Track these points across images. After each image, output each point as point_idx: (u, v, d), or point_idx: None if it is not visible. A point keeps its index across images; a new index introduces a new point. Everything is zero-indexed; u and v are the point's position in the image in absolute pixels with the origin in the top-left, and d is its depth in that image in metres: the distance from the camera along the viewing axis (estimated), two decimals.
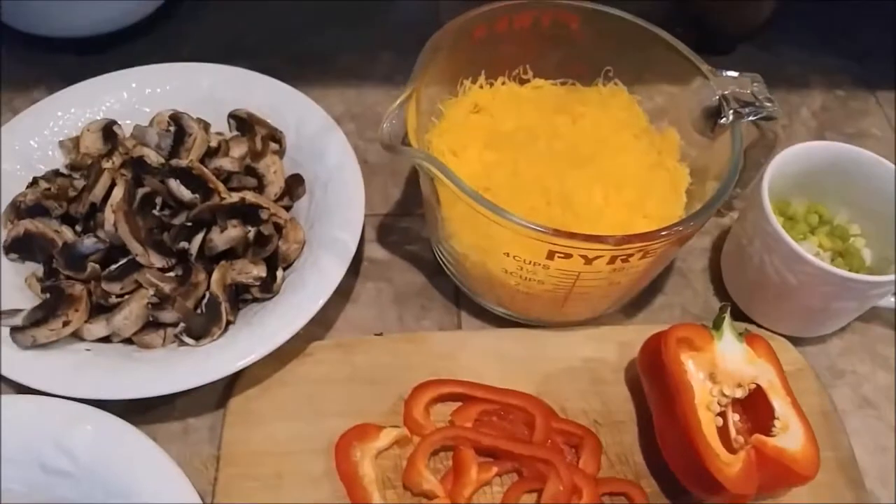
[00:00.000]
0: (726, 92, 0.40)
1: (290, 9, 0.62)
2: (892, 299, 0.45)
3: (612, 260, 0.36)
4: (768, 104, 0.41)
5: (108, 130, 0.47)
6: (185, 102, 0.48)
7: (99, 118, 0.48)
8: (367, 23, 0.62)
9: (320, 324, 0.45)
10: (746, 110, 0.40)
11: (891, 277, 0.40)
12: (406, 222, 0.50)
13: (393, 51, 0.59)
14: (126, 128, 0.48)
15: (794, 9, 0.58)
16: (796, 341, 0.45)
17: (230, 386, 0.41)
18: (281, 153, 0.48)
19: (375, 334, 0.44)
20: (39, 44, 0.56)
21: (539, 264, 0.37)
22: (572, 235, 0.34)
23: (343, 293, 0.46)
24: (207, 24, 0.60)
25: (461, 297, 0.47)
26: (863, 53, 0.62)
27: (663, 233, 0.35)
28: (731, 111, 0.40)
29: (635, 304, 0.47)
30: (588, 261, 0.35)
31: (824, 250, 0.45)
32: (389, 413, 0.41)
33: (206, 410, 0.41)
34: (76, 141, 0.47)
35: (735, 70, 0.42)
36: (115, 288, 0.40)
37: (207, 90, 0.49)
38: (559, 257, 0.35)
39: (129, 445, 0.36)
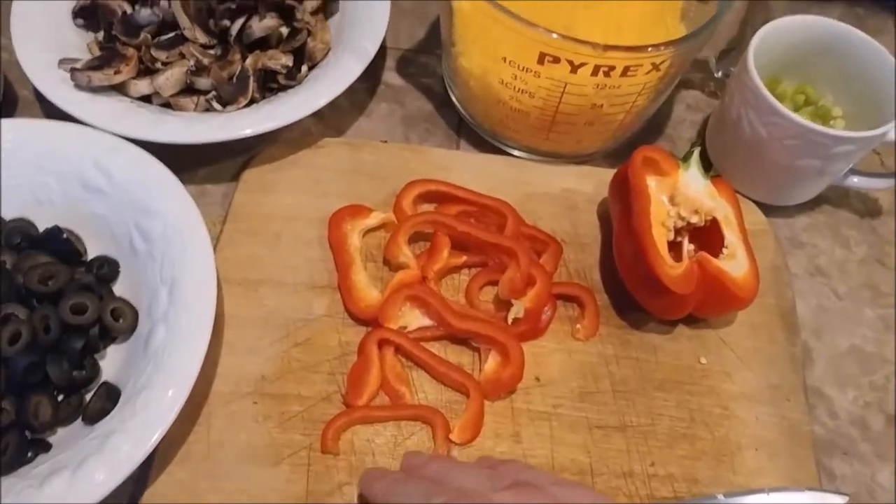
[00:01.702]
0: None
1: None
2: (855, 179, 0.46)
3: (596, 71, 0.38)
4: None
5: None
6: None
7: None
8: None
9: (335, 128, 0.48)
10: None
11: (849, 133, 0.41)
12: (425, 59, 0.53)
13: None
14: None
15: None
16: (766, 211, 0.47)
17: (246, 163, 0.45)
18: None
19: (382, 141, 0.47)
20: None
21: (530, 71, 0.39)
22: (563, 37, 0.36)
23: (359, 107, 0.49)
24: None
25: (462, 128, 0.49)
26: None
27: (648, 49, 0.37)
28: None
29: (617, 152, 0.49)
30: (574, 68, 0.38)
31: None
32: (383, 203, 0.44)
33: (223, 180, 0.45)
34: None
35: None
36: (161, 55, 0.44)
37: None
38: (548, 61, 0.38)
39: (156, 175, 0.40)
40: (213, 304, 0.36)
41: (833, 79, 0.47)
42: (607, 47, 0.36)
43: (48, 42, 0.45)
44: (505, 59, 0.40)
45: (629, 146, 0.48)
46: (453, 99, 0.49)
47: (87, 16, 0.47)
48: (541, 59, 0.38)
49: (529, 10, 0.43)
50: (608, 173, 0.46)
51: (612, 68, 0.38)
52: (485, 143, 0.48)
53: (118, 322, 0.38)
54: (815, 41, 0.46)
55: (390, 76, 0.51)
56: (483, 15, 0.38)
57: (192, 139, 0.42)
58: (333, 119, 0.48)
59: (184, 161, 0.43)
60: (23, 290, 0.37)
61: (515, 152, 0.47)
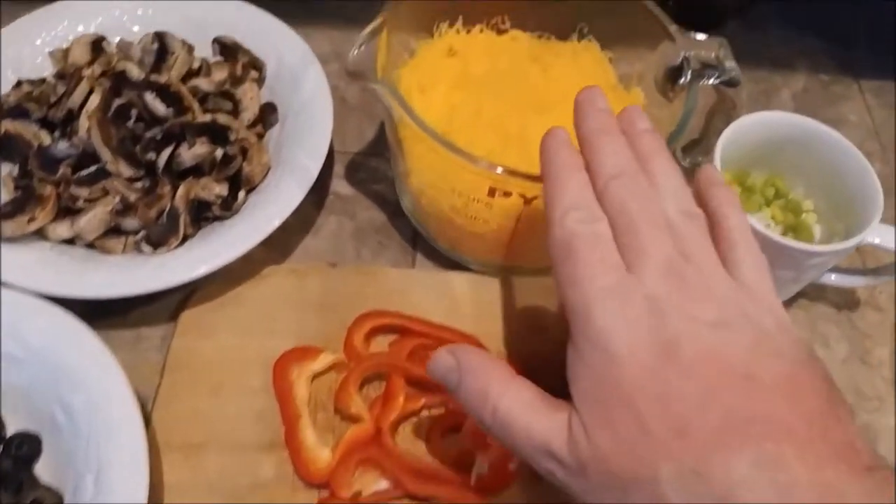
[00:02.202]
0: (690, 53, 0.39)
1: None
2: (833, 276, 0.44)
3: None
4: (730, 68, 0.39)
5: (97, 44, 0.47)
6: (173, 24, 0.47)
7: (89, 32, 0.47)
8: None
9: (279, 251, 0.44)
10: (707, 72, 0.38)
11: (822, 248, 0.39)
12: (375, 162, 0.49)
13: None
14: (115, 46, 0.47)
15: None
16: None
17: (184, 301, 0.41)
18: (260, 81, 0.47)
19: (330, 264, 0.44)
20: None
21: (482, 202, 0.36)
22: (511, 172, 0.33)
23: (305, 224, 0.46)
24: None
25: (418, 239, 0.46)
26: (850, 40, 0.60)
27: None
28: (690, 71, 0.38)
29: None
30: (527, 200, 0.34)
31: (776, 223, 0.44)
32: (334, 338, 0.40)
33: (160, 322, 0.41)
34: (66, 52, 0.46)
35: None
36: (83, 192, 0.40)
37: (197, 15, 0.48)
38: (500, 195, 0.35)
39: (78, 340, 0.36)
40: (144, 494, 0.32)
41: (802, 171, 0.44)
42: None
43: None
44: (454, 190, 0.36)
45: None
46: (406, 212, 0.45)
47: (0, 148, 0.42)
48: (491, 192, 0.35)
49: (484, 118, 0.40)
50: None
51: None
52: (442, 255, 0.45)
53: None
54: (781, 136, 0.43)
55: (339, 184, 0.48)
56: (430, 148, 0.35)
57: (121, 292, 0.38)
58: (277, 240, 0.44)
59: (115, 303, 0.39)
60: None
61: (474, 265, 0.44)
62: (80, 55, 0.46)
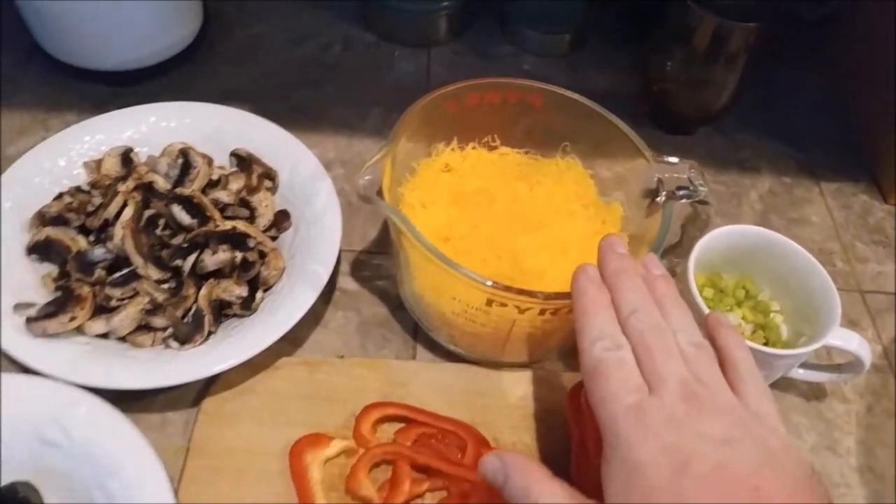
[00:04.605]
0: (664, 175, 0.48)
1: (294, 65, 0.71)
2: (801, 371, 0.52)
3: (543, 312, 0.43)
4: (701, 189, 0.48)
5: (126, 156, 0.56)
6: (194, 137, 0.57)
7: (119, 145, 0.56)
8: (362, 82, 0.70)
9: (291, 343, 0.52)
10: (680, 193, 0.47)
11: (789, 352, 0.47)
12: (378, 260, 0.58)
13: (383, 107, 0.68)
14: (142, 155, 0.56)
15: (750, 98, 0.66)
16: None
17: (206, 388, 0.49)
18: (273, 190, 0.56)
19: (338, 356, 0.52)
20: (73, 72, 0.64)
21: (480, 309, 0.44)
22: (507, 289, 0.41)
23: (315, 318, 0.54)
24: (217, 70, 0.69)
25: (419, 332, 0.54)
26: (809, 144, 0.70)
27: None
28: (665, 193, 0.48)
29: (573, 353, 0.54)
30: (521, 311, 0.43)
31: (747, 322, 0.53)
32: (342, 427, 0.48)
33: (183, 407, 0.49)
34: (98, 163, 0.55)
35: (684, 152, 0.50)
36: (116, 293, 0.48)
37: (215, 128, 0.58)
38: (497, 305, 0.43)
39: (117, 430, 0.43)
40: None
41: (769, 276, 0.53)
42: (548, 297, 0.41)
43: (10, 277, 0.48)
44: (454, 298, 0.45)
45: None
46: (407, 308, 0.54)
47: (42, 251, 0.50)
48: (489, 303, 0.43)
49: (479, 233, 0.49)
50: (561, 378, 0.51)
51: (559, 309, 0.43)
52: (441, 347, 0.53)
53: None
54: (749, 245, 0.52)
55: (345, 281, 0.56)
56: (428, 261, 0.43)
57: (153, 384, 0.45)
58: (290, 332, 0.52)
59: (143, 390, 0.46)
60: None
61: (470, 358, 0.52)
62: (112, 166, 0.55)
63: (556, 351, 0.52)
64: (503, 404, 0.50)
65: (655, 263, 0.41)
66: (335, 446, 0.46)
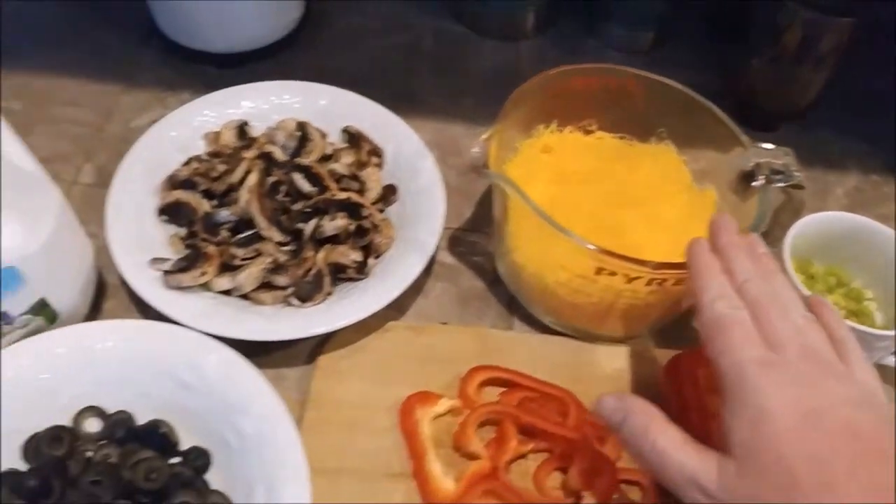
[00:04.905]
0: (761, 161, 0.51)
1: (387, 54, 0.75)
2: (893, 358, 0.54)
3: (650, 282, 0.46)
4: (796, 174, 0.51)
5: (242, 129, 0.60)
6: (306, 114, 0.61)
7: (236, 119, 0.60)
8: (453, 72, 0.74)
9: (397, 309, 0.55)
10: (777, 178, 0.50)
11: (890, 332, 0.49)
12: (474, 237, 0.61)
13: (473, 96, 0.71)
14: (256, 129, 0.60)
15: (836, 96, 0.68)
16: None
17: (318, 347, 0.52)
18: (380, 166, 0.59)
19: (441, 323, 0.55)
20: (186, 53, 0.69)
21: (587, 278, 0.47)
22: (620, 256, 0.44)
23: (417, 288, 0.57)
24: (317, 56, 0.73)
25: (514, 306, 0.57)
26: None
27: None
28: (763, 177, 0.50)
29: (664, 331, 0.56)
30: (629, 280, 0.46)
31: (840, 308, 0.54)
32: (446, 387, 0.51)
33: (297, 364, 0.52)
34: (217, 135, 0.59)
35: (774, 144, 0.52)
36: (240, 252, 0.52)
37: (325, 107, 0.61)
38: (605, 274, 0.46)
39: (247, 376, 0.46)
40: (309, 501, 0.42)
41: (862, 263, 0.55)
42: (658, 266, 0.44)
43: (137, 237, 0.53)
44: (563, 267, 0.48)
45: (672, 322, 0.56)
46: (504, 282, 0.57)
47: (171, 213, 0.54)
48: (598, 271, 0.46)
49: (579, 210, 0.52)
50: (658, 353, 0.53)
51: (665, 280, 0.45)
52: (536, 320, 0.56)
53: None
54: (841, 232, 0.54)
55: (443, 255, 0.59)
56: (539, 229, 0.46)
57: (276, 337, 0.49)
58: (396, 299, 0.55)
59: (260, 345, 0.50)
60: (128, 485, 0.43)
61: (566, 331, 0.55)
62: (229, 137, 0.59)
63: (650, 328, 0.55)
64: (600, 375, 0.53)
65: (760, 242, 0.44)
66: (443, 404, 0.49)
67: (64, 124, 0.65)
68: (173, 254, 0.53)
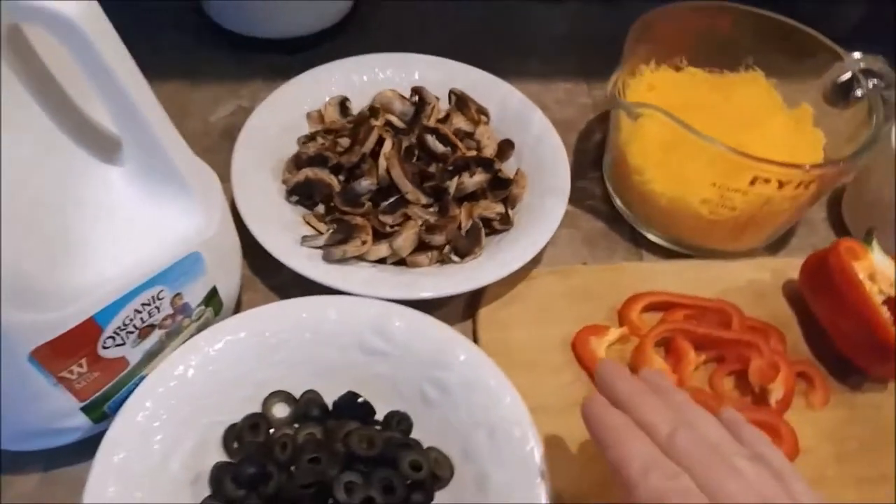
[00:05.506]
0: (857, 69, 0.55)
1: (451, 23, 0.76)
2: None
3: (798, 185, 0.50)
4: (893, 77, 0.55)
5: (343, 105, 0.60)
6: (401, 85, 0.62)
7: (336, 95, 0.61)
8: (514, 36, 0.76)
9: (534, 260, 0.57)
10: (880, 83, 0.55)
11: None
12: (582, 184, 0.64)
13: (537, 57, 0.73)
14: (355, 104, 0.61)
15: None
16: None
17: (472, 302, 0.54)
18: (488, 125, 0.61)
19: (582, 263, 0.57)
20: (241, 41, 0.69)
21: (739, 191, 0.51)
22: (779, 163, 0.48)
23: None
24: (373, 36, 0.74)
25: (639, 238, 0.60)
26: None
27: (842, 163, 0.49)
28: (870, 85, 0.54)
29: (776, 245, 0.61)
30: (782, 185, 0.49)
31: None
32: (605, 319, 0.53)
33: (455, 321, 0.54)
34: (319, 113, 0.60)
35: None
36: (388, 219, 0.53)
37: (418, 75, 0.63)
38: (760, 182, 0.49)
39: (436, 330, 0.47)
40: (536, 440, 0.44)
41: None
42: (812, 167, 0.48)
43: (278, 221, 0.53)
44: (714, 184, 0.51)
45: (783, 236, 0.60)
46: (626, 217, 0.60)
47: (301, 192, 0.55)
48: (752, 181, 0.50)
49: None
50: (777, 262, 0.58)
51: (812, 182, 0.50)
52: (662, 249, 0.59)
53: (441, 471, 0.44)
54: None
55: None
56: (688, 155, 0.49)
57: (445, 293, 0.50)
58: None
59: (416, 305, 0.50)
60: (347, 456, 0.44)
61: (688, 251, 0.58)
62: (332, 114, 0.60)
63: (769, 239, 0.59)
64: (734, 287, 0.56)
65: (661, 375, 0.41)
66: (614, 333, 0.52)
67: None
68: (311, 232, 0.53)
